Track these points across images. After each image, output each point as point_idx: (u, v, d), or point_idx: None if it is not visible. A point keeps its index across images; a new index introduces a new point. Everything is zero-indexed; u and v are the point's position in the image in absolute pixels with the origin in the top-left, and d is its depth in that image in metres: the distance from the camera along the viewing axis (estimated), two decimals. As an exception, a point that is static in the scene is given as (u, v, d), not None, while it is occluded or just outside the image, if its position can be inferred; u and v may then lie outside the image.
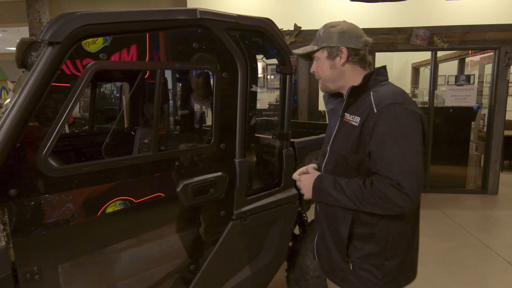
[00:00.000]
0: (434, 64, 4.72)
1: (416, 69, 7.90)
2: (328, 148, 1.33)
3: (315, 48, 1.28)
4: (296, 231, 2.34)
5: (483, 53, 6.05)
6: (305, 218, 2.42)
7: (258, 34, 1.69)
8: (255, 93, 1.70)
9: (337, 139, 1.28)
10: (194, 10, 1.43)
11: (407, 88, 7.69)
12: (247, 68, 1.63)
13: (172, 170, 1.45)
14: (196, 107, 1.91)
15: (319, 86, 1.38)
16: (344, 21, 1.30)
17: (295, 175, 1.36)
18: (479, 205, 4.48)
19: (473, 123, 5.08)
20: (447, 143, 4.93)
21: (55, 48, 1.12)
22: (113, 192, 1.33)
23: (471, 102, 4.76)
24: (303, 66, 4.85)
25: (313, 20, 6.23)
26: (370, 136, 1.14)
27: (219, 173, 1.59)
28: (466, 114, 4.85)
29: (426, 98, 5.27)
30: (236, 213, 1.67)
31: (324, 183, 1.23)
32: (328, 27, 1.26)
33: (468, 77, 4.88)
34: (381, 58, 6.20)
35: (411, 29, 4.51)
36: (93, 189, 1.26)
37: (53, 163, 1.17)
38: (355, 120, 1.20)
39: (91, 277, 1.34)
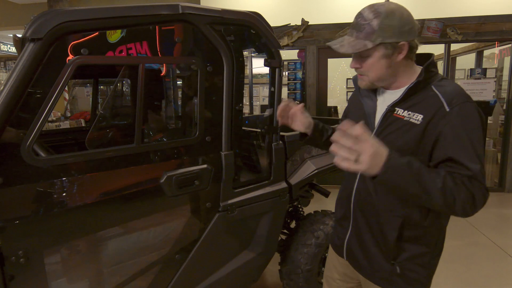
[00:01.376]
0: (448, 57, 4.57)
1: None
2: None
3: (370, 45, 1.02)
4: (293, 224, 2.35)
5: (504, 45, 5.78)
6: (302, 212, 2.42)
7: (244, 28, 1.70)
8: (242, 86, 1.71)
9: (383, 136, 1.09)
10: (176, 5, 1.46)
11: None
12: (233, 62, 1.64)
13: (156, 162, 1.49)
14: (183, 100, 1.94)
15: (358, 81, 1.16)
16: (392, 2, 1.09)
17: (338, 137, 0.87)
18: (494, 203, 4.32)
19: (490, 118, 4.89)
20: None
21: (37, 44, 1.18)
22: (96, 183, 1.38)
23: (487, 96, 4.57)
24: (311, 60, 4.80)
25: (321, 15, 6.16)
26: (439, 136, 1.00)
27: (205, 166, 1.62)
28: (483, 109, 4.65)
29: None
30: (222, 205, 1.69)
31: (394, 157, 0.91)
32: (384, 16, 1.00)
33: (484, 71, 4.69)
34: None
35: (422, 21, 4.38)
36: (76, 178, 1.32)
37: (39, 153, 1.23)
38: (415, 117, 1.04)
39: (76, 262, 1.41)
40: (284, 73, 7.13)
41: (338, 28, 4.49)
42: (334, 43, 1.10)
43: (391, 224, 1.11)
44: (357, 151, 0.85)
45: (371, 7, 1.04)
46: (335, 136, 0.86)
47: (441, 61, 6.86)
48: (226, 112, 1.65)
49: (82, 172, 1.34)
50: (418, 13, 5.49)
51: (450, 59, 6.29)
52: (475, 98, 4.60)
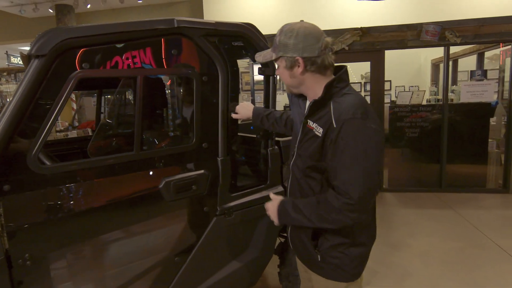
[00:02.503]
0: (447, 59, 4.60)
1: (436, 66, 7.67)
2: (295, 150, 1.38)
3: (274, 56, 1.28)
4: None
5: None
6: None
7: (238, 38, 1.78)
8: (236, 93, 1.79)
9: (302, 143, 1.32)
10: (171, 20, 1.54)
11: (426, 85, 7.48)
12: (227, 71, 1.72)
13: (154, 168, 1.57)
14: (180, 108, 2.03)
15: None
16: (301, 22, 1.26)
17: (267, 205, 1.44)
18: (498, 205, 4.30)
19: (492, 119, 4.88)
20: (464, 140, 4.76)
21: (41, 60, 1.27)
22: (98, 189, 1.46)
23: (488, 98, 4.58)
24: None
25: (322, 21, 6.25)
26: (330, 150, 1.19)
27: (202, 171, 1.69)
28: (484, 110, 4.67)
29: (451, 95, 5.13)
30: (220, 209, 1.76)
31: (286, 207, 1.32)
32: (284, 34, 1.22)
33: (484, 72, 4.70)
34: (397, 55, 6.12)
35: (421, 25, 4.42)
36: (79, 185, 1.39)
37: (44, 162, 1.31)
38: (318, 130, 1.24)
39: (79, 265, 1.48)
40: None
41: (338, 34, 4.56)
42: (258, 55, 1.38)
43: None
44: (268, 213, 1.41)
45: (282, 26, 1.25)
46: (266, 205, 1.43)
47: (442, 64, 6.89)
48: (221, 119, 1.73)
49: (85, 179, 1.41)
50: (416, 17, 5.55)
51: (452, 61, 6.35)
52: (476, 99, 4.61)
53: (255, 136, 2.01)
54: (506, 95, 4.90)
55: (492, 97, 4.62)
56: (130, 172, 1.51)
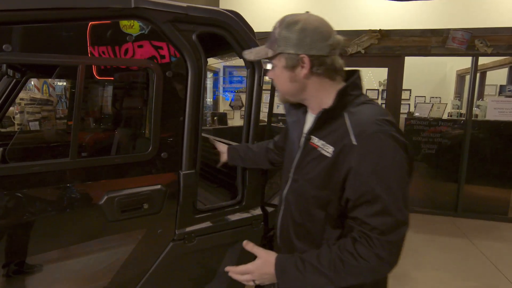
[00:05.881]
0: (475, 71, 4.14)
1: (461, 77, 7.13)
2: (291, 175, 1.09)
3: (270, 53, 1.00)
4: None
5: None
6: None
7: (217, 28, 1.47)
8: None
9: (302, 166, 1.05)
10: (128, -2, 1.24)
11: (449, 98, 6.97)
12: (200, 67, 1.41)
13: (94, 180, 1.27)
14: (135, 109, 1.72)
15: (277, 95, 1.12)
16: (307, 13, 0.99)
17: (240, 277, 1.04)
18: (521, 238, 3.84)
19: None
20: (487, 161, 4.29)
21: None
22: (22, 201, 1.18)
23: (518, 116, 4.10)
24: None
25: (340, 22, 5.84)
26: (347, 174, 0.91)
27: (158, 186, 1.38)
28: (512, 130, 4.19)
29: (476, 111, 4.66)
30: (178, 233, 1.45)
31: (289, 267, 0.96)
32: (285, 25, 0.96)
33: (516, 88, 4.22)
34: (420, 63, 5.65)
35: (448, 31, 3.99)
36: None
37: None
38: (326, 149, 0.96)
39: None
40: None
41: (354, 35, 4.19)
42: (248, 53, 1.10)
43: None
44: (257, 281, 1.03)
45: (283, 17, 0.99)
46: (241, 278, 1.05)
47: (468, 76, 6.38)
48: (188, 125, 1.42)
49: (4, 189, 1.13)
50: (443, 22, 5.09)
51: (480, 73, 5.83)
52: (505, 118, 4.13)
53: (229, 143, 1.69)
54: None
55: (523, 116, 4.14)
56: (62, 184, 1.22)
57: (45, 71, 2.02)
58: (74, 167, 1.22)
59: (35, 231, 1.20)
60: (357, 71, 1.02)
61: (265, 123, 1.76)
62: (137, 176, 1.35)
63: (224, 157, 1.64)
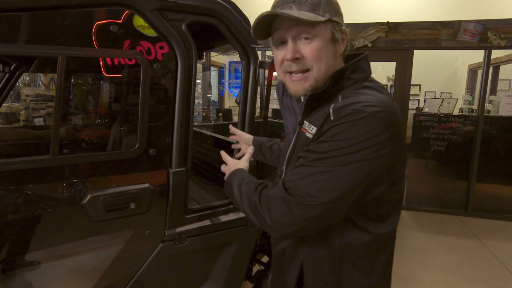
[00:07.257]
0: (487, 65, 3.97)
1: (473, 72, 6.91)
2: (283, 168, 0.98)
3: (322, 18, 0.78)
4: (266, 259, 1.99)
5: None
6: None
7: (209, 18, 1.39)
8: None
9: (294, 157, 0.92)
10: (112, -15, 1.17)
11: (460, 93, 6.76)
12: (190, 58, 1.33)
13: (77, 178, 1.21)
14: (122, 103, 1.65)
15: (291, 87, 0.87)
16: None
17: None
18: (535, 239, 3.68)
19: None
20: (499, 158, 4.13)
21: None
22: (1, 199, 1.12)
23: (533, 112, 3.93)
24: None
25: (354, 13, 5.69)
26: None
27: (146, 185, 1.31)
28: (527, 127, 4.02)
29: (488, 106, 4.48)
30: (168, 233, 1.38)
31: (236, 174, 0.99)
32: None
33: (532, 82, 4.04)
34: (431, 57, 5.47)
35: (459, 23, 3.82)
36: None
37: None
38: (310, 130, 0.85)
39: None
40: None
41: (361, 28, 4.05)
42: (276, 11, 0.80)
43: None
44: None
45: None
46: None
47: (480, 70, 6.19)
48: (178, 121, 1.34)
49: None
50: (454, 14, 4.90)
51: (493, 67, 5.63)
52: (518, 113, 3.97)
53: (223, 139, 1.61)
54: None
55: (538, 112, 3.97)
56: (42, 182, 1.16)
57: (38, 65, 1.96)
58: (54, 164, 1.16)
59: (13, 232, 1.14)
60: (363, 53, 0.89)
61: (262, 120, 1.68)
62: (123, 174, 1.28)
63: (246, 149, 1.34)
